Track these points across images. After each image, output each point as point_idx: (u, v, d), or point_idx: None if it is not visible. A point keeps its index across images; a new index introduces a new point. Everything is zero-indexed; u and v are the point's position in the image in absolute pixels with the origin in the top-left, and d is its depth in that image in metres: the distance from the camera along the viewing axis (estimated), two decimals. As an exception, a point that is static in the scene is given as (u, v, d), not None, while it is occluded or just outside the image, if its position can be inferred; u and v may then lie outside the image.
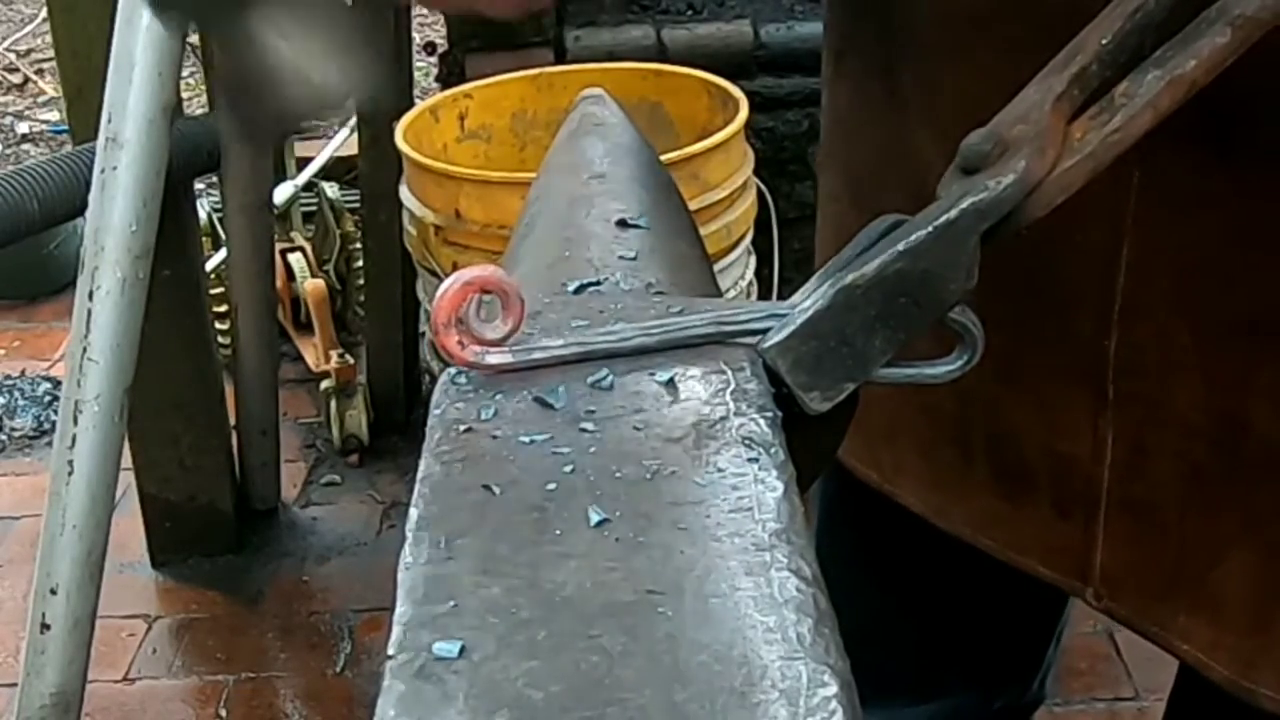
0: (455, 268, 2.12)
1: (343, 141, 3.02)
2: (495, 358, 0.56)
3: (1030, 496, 0.88)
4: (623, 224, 0.70)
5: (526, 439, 0.53)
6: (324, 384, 2.67)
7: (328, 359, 2.68)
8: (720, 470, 0.51)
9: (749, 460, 0.51)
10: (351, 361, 2.68)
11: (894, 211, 0.89)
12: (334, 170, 2.92)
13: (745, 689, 0.41)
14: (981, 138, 0.60)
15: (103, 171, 1.65)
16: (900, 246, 0.58)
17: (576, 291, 0.64)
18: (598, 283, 0.64)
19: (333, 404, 2.66)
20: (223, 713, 2.15)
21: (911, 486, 0.95)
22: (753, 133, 2.35)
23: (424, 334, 2.46)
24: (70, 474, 1.64)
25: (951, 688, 1.14)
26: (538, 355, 0.57)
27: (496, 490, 0.50)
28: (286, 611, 2.34)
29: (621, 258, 0.66)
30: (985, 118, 0.81)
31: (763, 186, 2.32)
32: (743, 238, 2.22)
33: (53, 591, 1.64)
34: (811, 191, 2.60)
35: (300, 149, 3.01)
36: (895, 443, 0.95)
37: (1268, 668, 0.82)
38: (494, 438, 0.53)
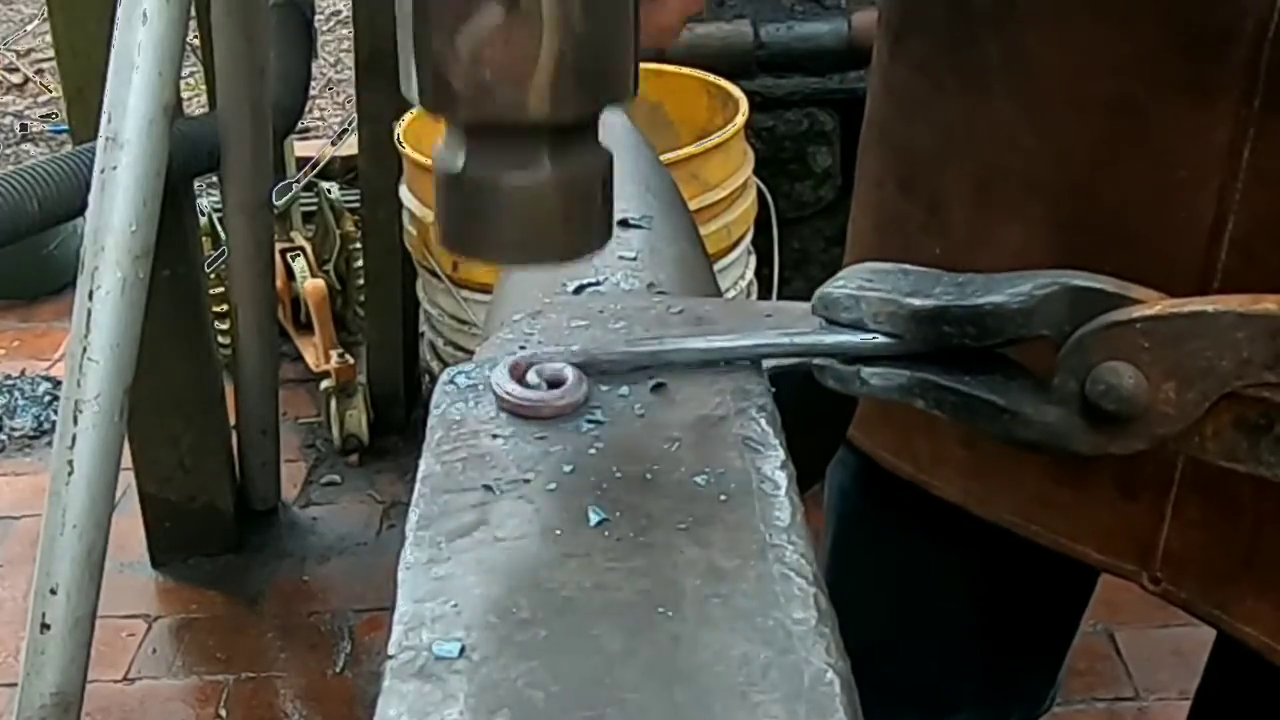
0: (455, 268, 2.12)
1: (343, 142, 3.03)
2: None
3: (1092, 479, 0.86)
4: (623, 224, 0.70)
5: (527, 439, 0.53)
6: (324, 384, 2.67)
7: (328, 359, 2.68)
8: (720, 470, 0.51)
9: (749, 460, 0.51)
10: (351, 361, 2.68)
11: (948, 198, 0.87)
12: (334, 170, 2.92)
13: (745, 689, 0.41)
14: (1131, 388, 0.53)
15: (103, 171, 1.65)
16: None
17: (576, 291, 0.64)
18: (598, 283, 0.64)
19: (333, 404, 2.65)
20: (223, 713, 2.15)
21: (952, 476, 0.93)
22: (753, 133, 2.35)
23: (424, 334, 2.46)
24: (70, 474, 1.64)
25: (965, 702, 1.13)
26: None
27: (497, 490, 0.50)
28: (286, 611, 2.34)
29: (621, 258, 0.66)
30: (1082, 89, 0.77)
31: (763, 186, 2.32)
32: (743, 238, 2.22)
33: (53, 591, 1.64)
34: (811, 191, 2.60)
35: (300, 149, 3.01)
36: (935, 433, 0.93)
37: None
38: (494, 437, 0.53)
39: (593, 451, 0.52)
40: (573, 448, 0.52)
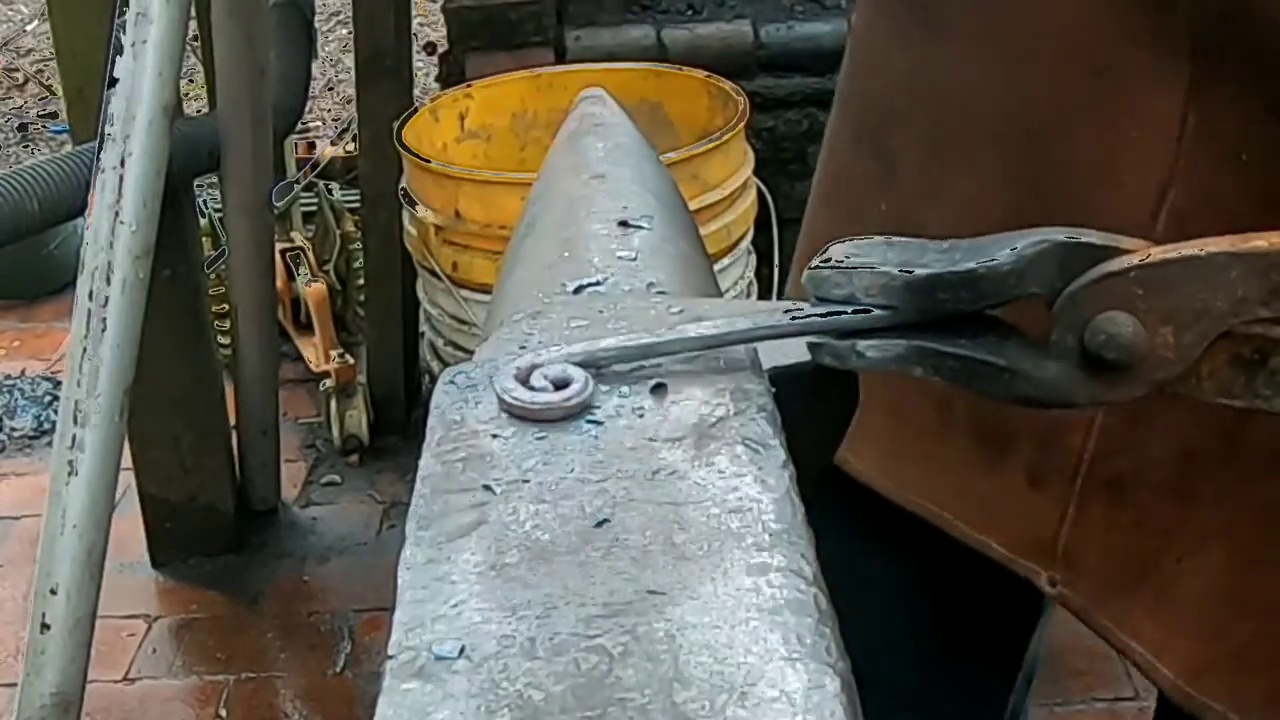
0: (455, 268, 2.13)
1: (343, 142, 3.03)
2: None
3: (1005, 463, 0.84)
4: (623, 224, 0.70)
5: (527, 439, 0.53)
6: (324, 384, 2.67)
7: (328, 359, 2.68)
8: (720, 470, 0.51)
9: (749, 460, 0.51)
10: (351, 361, 2.68)
11: (900, 151, 0.86)
12: (334, 170, 2.92)
13: (745, 689, 0.41)
14: (1130, 336, 0.54)
15: (103, 171, 1.65)
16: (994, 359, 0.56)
17: (576, 291, 0.64)
18: (598, 283, 0.64)
19: (333, 404, 2.66)
20: (223, 713, 2.15)
21: (873, 455, 0.90)
22: (753, 133, 2.35)
23: (424, 334, 2.46)
24: (70, 474, 1.64)
25: (899, 706, 1.10)
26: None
27: (497, 490, 0.50)
28: (286, 611, 2.34)
29: (621, 258, 0.66)
30: (1041, 35, 0.76)
31: (763, 186, 2.32)
32: (743, 238, 2.22)
33: (53, 591, 1.64)
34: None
35: (300, 149, 3.01)
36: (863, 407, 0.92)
37: (1216, 677, 0.80)
38: (494, 437, 0.53)
39: (593, 451, 0.52)
40: (573, 448, 0.52)
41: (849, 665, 0.43)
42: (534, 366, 0.55)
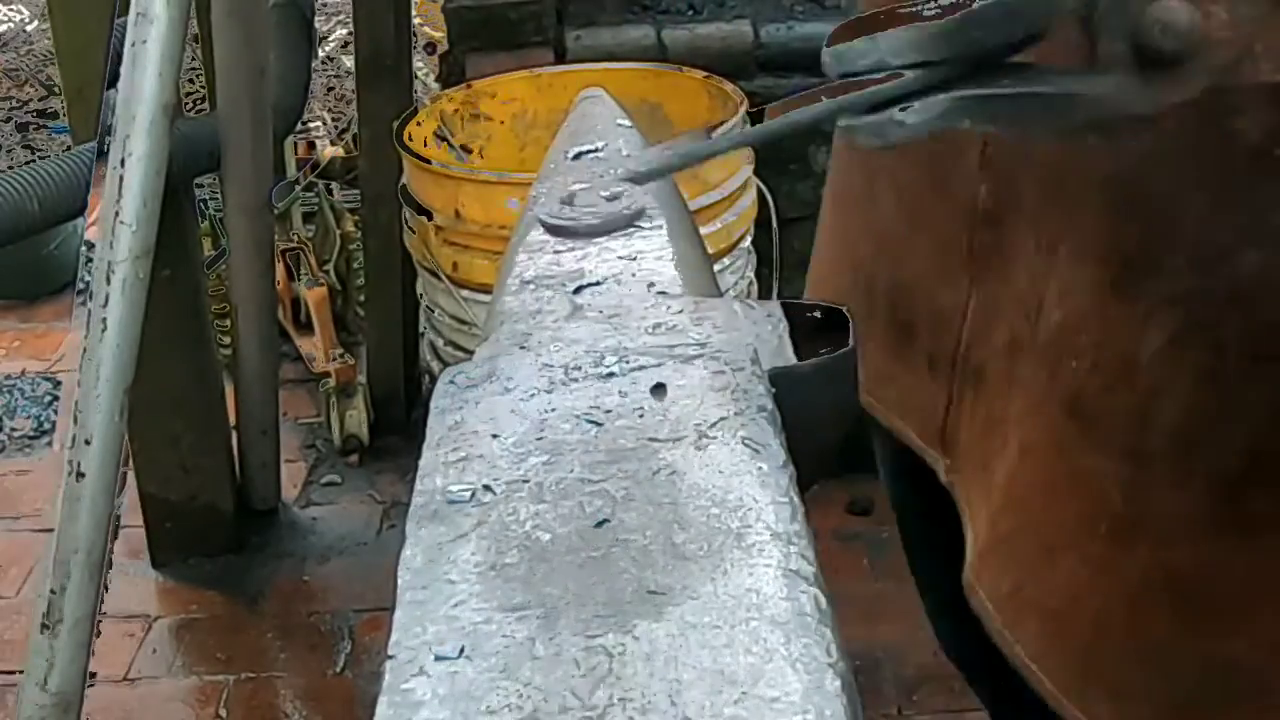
0: (455, 268, 2.13)
1: (342, 141, 3.03)
2: None
3: (912, 350, 0.88)
4: (623, 224, 0.70)
5: (527, 439, 0.53)
6: (324, 384, 2.67)
7: (328, 359, 2.68)
8: (720, 470, 0.51)
9: (749, 460, 0.51)
10: (351, 361, 2.68)
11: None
12: (334, 170, 2.93)
13: (745, 689, 0.41)
14: (1188, 20, 0.52)
15: (103, 171, 1.65)
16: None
17: (576, 292, 0.64)
18: (597, 283, 0.64)
19: (333, 404, 2.65)
20: (223, 713, 2.15)
21: None
22: (753, 133, 2.35)
23: (424, 334, 2.46)
24: (70, 474, 1.64)
25: None
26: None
27: (497, 490, 0.50)
28: (286, 611, 2.34)
29: (621, 258, 0.66)
30: None
31: (763, 186, 2.32)
32: (743, 238, 2.22)
33: (53, 591, 1.64)
34: (811, 191, 2.60)
35: (300, 149, 3.01)
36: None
37: (989, 566, 0.83)
38: (494, 437, 0.53)
39: (593, 451, 0.52)
40: (573, 448, 0.52)
41: (849, 665, 0.43)
42: (573, 193, 0.53)
